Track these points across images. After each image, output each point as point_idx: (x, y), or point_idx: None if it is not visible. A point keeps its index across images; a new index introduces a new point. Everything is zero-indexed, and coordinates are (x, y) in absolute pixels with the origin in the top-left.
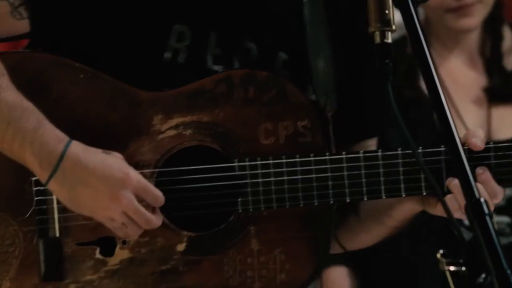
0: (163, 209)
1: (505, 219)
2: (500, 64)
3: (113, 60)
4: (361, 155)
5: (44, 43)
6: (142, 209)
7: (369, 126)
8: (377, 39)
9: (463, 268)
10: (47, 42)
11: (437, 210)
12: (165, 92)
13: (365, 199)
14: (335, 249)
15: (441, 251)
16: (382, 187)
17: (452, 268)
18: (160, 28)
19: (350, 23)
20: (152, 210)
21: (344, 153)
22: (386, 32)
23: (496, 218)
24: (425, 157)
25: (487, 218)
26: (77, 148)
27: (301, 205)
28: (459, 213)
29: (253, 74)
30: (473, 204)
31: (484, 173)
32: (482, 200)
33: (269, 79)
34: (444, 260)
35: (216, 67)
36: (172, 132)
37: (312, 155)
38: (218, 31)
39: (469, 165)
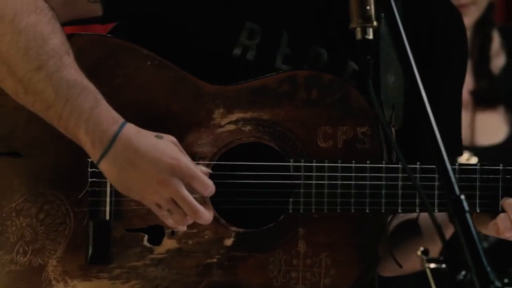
0: (215, 203)
1: None
2: (487, 67)
3: (183, 51)
4: (417, 166)
5: (120, 27)
6: (190, 197)
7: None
8: (359, 35)
9: (443, 266)
10: (121, 26)
11: (489, 230)
12: (228, 86)
13: (417, 211)
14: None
15: (421, 249)
16: (436, 200)
17: (432, 265)
18: (232, 24)
19: (425, 43)
20: (204, 203)
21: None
22: (368, 28)
23: None
24: (483, 175)
25: (467, 215)
26: (131, 130)
27: (352, 210)
28: (510, 233)
29: (318, 75)
30: (453, 200)
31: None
32: (462, 197)
33: (333, 82)
34: (424, 257)
35: (285, 67)
36: (231, 127)
37: (368, 162)
38: (290, 32)
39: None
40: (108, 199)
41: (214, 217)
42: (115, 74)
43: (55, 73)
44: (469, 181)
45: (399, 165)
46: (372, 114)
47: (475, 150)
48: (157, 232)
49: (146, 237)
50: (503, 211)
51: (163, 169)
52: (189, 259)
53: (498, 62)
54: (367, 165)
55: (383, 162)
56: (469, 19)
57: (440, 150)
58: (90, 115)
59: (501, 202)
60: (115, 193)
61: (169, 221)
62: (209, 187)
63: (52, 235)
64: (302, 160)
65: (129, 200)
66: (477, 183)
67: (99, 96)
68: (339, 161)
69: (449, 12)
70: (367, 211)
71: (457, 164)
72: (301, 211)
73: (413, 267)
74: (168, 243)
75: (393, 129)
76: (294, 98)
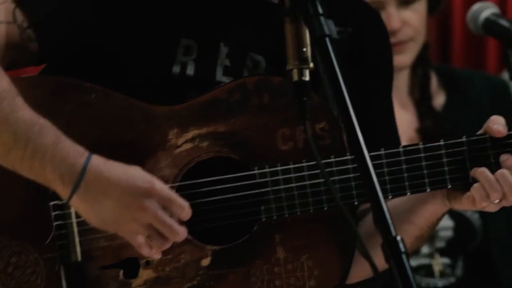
0: (186, 225)
1: (445, 260)
2: (429, 105)
3: (123, 77)
4: (382, 152)
5: (54, 65)
6: (169, 218)
7: (378, 140)
8: (295, 77)
9: None
10: (56, 63)
11: (464, 204)
12: (178, 105)
13: (390, 197)
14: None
15: None
16: (406, 183)
17: None
18: (166, 42)
19: (353, 44)
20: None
21: None
22: (304, 70)
23: (439, 260)
24: (448, 149)
25: (403, 256)
26: (99, 160)
27: (325, 208)
28: (486, 202)
29: (267, 79)
30: (389, 242)
31: (509, 159)
32: (398, 238)
33: (283, 84)
34: None
35: (225, 79)
36: (188, 145)
37: (332, 156)
38: (227, 43)
39: (492, 154)
40: (76, 240)
41: (187, 239)
42: (61, 112)
43: (10, 115)
44: (435, 158)
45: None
46: (328, 109)
47: None
48: (132, 265)
49: (121, 272)
50: (475, 181)
51: (139, 194)
52: (169, 286)
53: (438, 100)
54: (332, 159)
55: (347, 154)
56: (408, 55)
57: (376, 192)
58: (55, 151)
59: (471, 172)
60: (83, 232)
61: (145, 250)
62: (186, 208)
63: (25, 286)
64: (267, 166)
65: (98, 238)
66: (444, 159)
67: (58, 131)
68: (304, 161)
69: (377, 29)
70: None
71: (421, 144)
72: (275, 217)
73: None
74: (145, 274)
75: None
76: (247, 105)
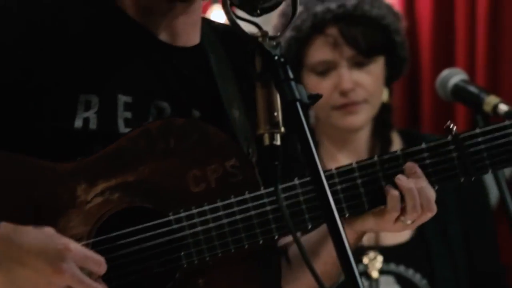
0: (105, 280)
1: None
2: None
3: (25, 139)
4: (297, 182)
5: None
6: (86, 278)
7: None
8: (266, 141)
9: None
10: None
11: (366, 225)
12: (83, 160)
13: (309, 227)
14: None
15: None
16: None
17: None
18: (66, 99)
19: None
20: (96, 279)
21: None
22: (275, 134)
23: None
24: (341, 177)
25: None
26: (8, 228)
27: (246, 246)
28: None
29: (170, 122)
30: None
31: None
32: None
33: (187, 125)
34: None
35: (128, 130)
36: (99, 200)
37: (247, 192)
38: (126, 93)
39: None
40: None
41: None
42: None
43: None
44: (331, 187)
45: (279, 187)
46: (236, 145)
47: (380, 249)
48: None
49: None
50: (372, 207)
51: (53, 258)
52: None
53: None
54: (247, 196)
55: (262, 188)
56: (362, 116)
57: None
58: None
59: (387, 187)
60: None
61: None
62: (102, 263)
63: None
64: (182, 211)
65: None
66: (338, 187)
67: None
68: (218, 200)
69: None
70: (261, 242)
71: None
72: (196, 262)
73: None
74: None
75: (253, 160)
76: (153, 151)
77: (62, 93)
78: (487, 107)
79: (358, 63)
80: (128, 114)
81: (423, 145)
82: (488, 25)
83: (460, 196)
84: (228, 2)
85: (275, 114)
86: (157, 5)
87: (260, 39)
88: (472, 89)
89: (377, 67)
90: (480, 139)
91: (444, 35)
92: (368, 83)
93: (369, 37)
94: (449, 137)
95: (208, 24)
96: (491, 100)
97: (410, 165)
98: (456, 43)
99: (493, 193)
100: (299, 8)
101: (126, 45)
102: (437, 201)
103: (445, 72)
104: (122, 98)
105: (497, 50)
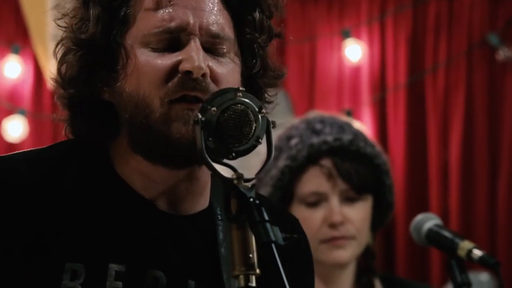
0: None
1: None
2: None
3: None
4: None
5: None
6: None
7: None
8: (241, 283)
9: None
10: None
11: None
12: None
13: None
14: None
15: None
16: None
17: None
18: (51, 267)
19: None
20: None
21: None
22: (251, 276)
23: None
24: None
25: None
26: None
27: None
28: None
29: None
30: None
31: None
32: None
33: None
34: None
35: None
36: None
37: None
38: (120, 262)
39: None
40: None
41: None
42: None
43: None
44: None
45: None
46: None
47: None
48: None
49: None
50: None
51: None
52: None
53: None
54: None
55: None
56: (348, 252)
57: None
58: None
59: None
60: None
61: None
62: None
63: None
64: None
65: None
66: None
67: None
68: None
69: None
70: None
71: None
72: None
73: None
74: None
75: None
76: None
77: (48, 260)
78: (461, 252)
79: (349, 198)
80: (119, 284)
81: None
82: (460, 172)
83: None
84: (204, 146)
85: (251, 255)
86: (158, 173)
87: (235, 181)
88: (446, 234)
89: (366, 206)
90: None
91: (417, 180)
92: (357, 219)
93: (361, 173)
94: None
95: None
96: (465, 245)
97: None
98: (429, 188)
99: None
100: (294, 140)
101: (122, 213)
102: None
103: (419, 217)
104: (114, 267)
105: (470, 195)
